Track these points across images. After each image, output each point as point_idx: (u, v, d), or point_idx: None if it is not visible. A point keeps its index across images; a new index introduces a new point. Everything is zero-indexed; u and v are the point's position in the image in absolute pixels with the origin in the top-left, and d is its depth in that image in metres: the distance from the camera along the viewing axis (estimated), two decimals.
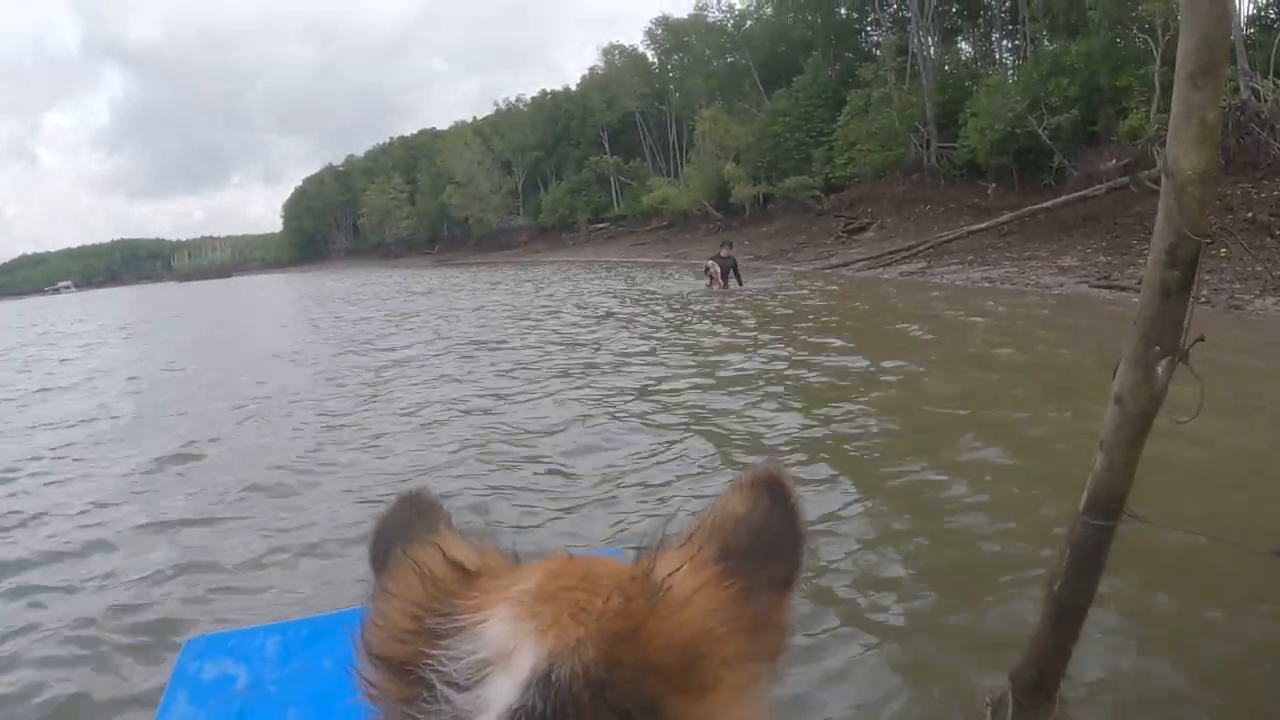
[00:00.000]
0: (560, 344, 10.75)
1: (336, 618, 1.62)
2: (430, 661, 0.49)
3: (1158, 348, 1.69)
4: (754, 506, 0.58)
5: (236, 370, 10.92)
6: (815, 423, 5.74)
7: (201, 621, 3.33)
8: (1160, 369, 1.69)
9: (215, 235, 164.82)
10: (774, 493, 0.60)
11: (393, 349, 11.54)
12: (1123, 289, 11.52)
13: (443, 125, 78.11)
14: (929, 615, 3.10)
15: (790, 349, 8.98)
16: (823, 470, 4.61)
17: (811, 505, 4.10)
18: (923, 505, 4.08)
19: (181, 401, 8.72)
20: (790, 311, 12.80)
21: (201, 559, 4.09)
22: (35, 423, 8.17)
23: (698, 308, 14.29)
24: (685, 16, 47.28)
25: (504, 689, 0.46)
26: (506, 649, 0.48)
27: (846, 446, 5.11)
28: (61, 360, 14.61)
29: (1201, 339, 1.70)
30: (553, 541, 3.69)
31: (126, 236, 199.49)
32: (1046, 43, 24.14)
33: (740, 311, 13.00)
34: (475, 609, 0.51)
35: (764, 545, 0.56)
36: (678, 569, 0.52)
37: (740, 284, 16.64)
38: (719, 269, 16.34)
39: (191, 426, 7.28)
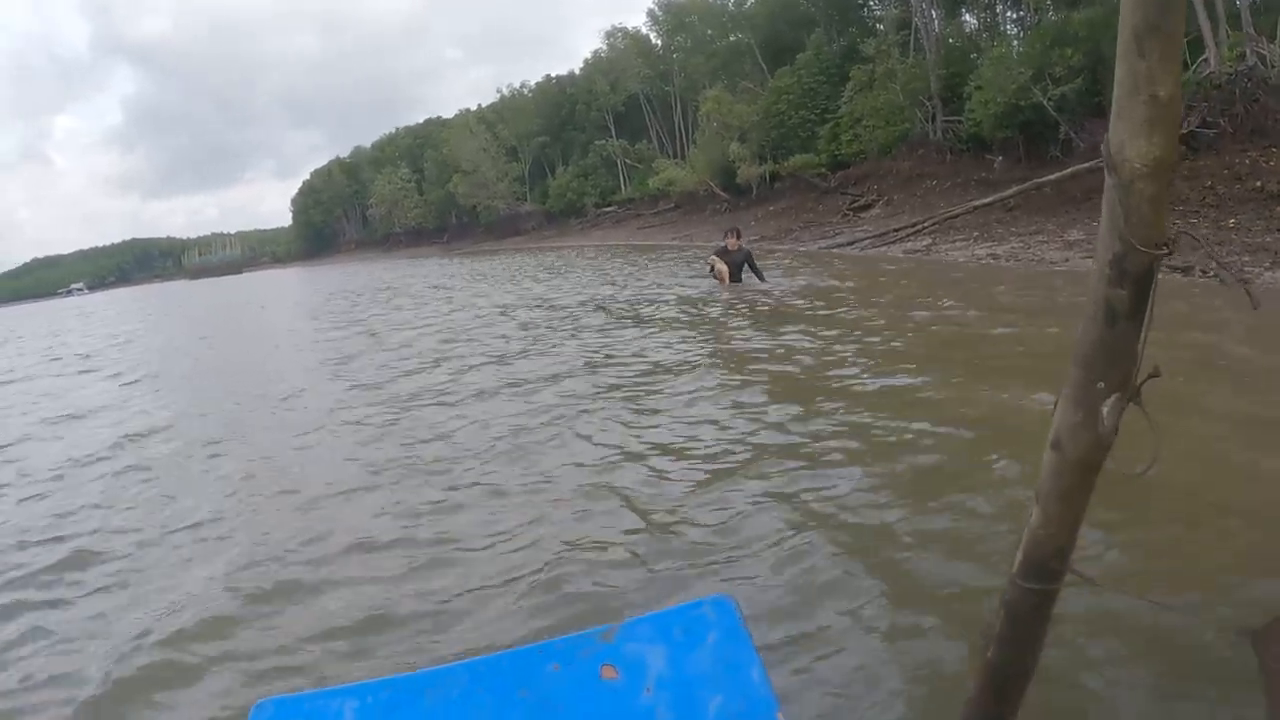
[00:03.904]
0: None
1: (420, 678, 1.58)
2: None
3: (1102, 384, 1.37)
4: None
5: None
6: None
7: (267, 681, 2.87)
8: (1105, 409, 1.37)
9: (226, 232, 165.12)
10: None
11: None
12: None
13: (454, 114, 77.97)
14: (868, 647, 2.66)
15: None
16: None
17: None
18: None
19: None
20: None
21: (267, 608, 3.45)
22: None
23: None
24: None
25: None
26: None
27: None
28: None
29: (1156, 374, 1.38)
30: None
31: (139, 236, 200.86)
32: (1050, 13, 23.88)
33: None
34: None
35: None
36: None
37: (761, 279, 12.62)
38: (725, 268, 12.63)
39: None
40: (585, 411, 5.99)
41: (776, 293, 12.00)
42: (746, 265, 12.82)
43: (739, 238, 13.17)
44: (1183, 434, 3.94)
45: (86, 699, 2.89)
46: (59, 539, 4.56)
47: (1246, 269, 9.95)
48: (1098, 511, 1.58)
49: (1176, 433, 3.86)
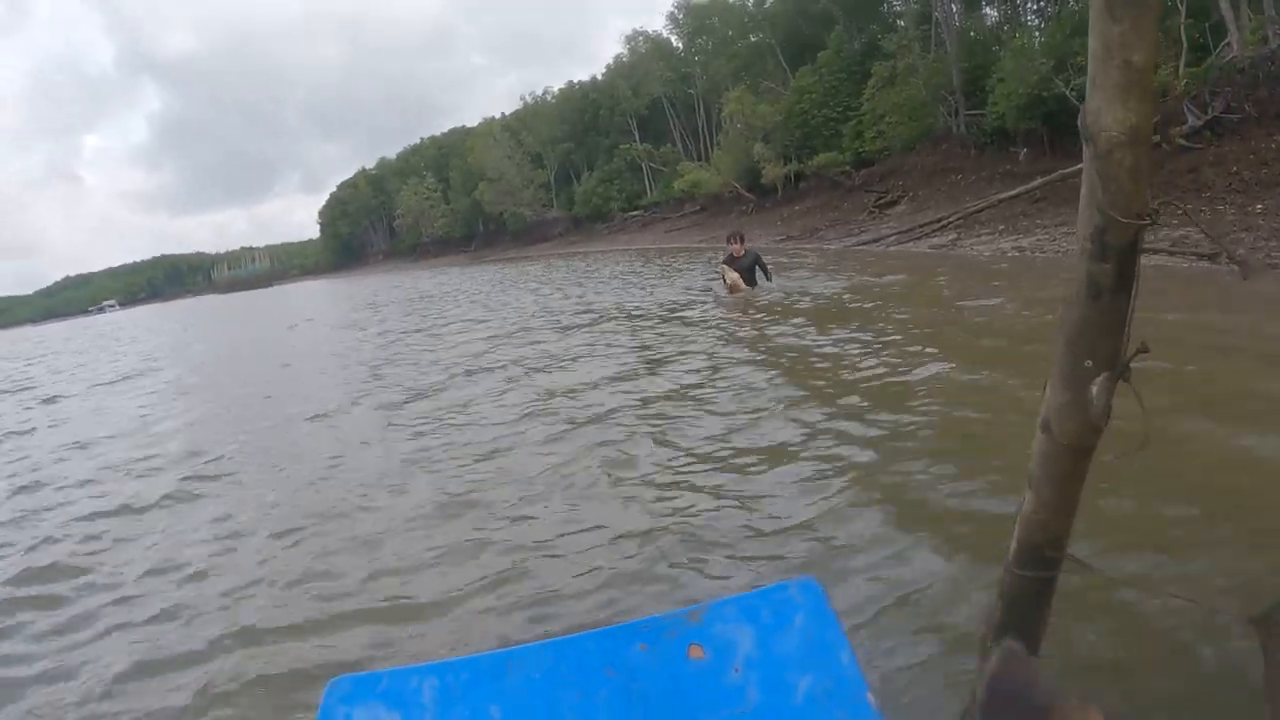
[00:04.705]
0: None
1: (502, 657, 1.56)
2: None
3: (1090, 362, 1.32)
4: None
5: None
6: None
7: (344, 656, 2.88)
8: (1094, 388, 1.32)
9: (255, 245, 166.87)
10: None
11: None
12: (1154, 252, 11.41)
13: (478, 122, 78.63)
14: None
15: None
16: None
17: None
18: None
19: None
20: None
21: (342, 583, 3.50)
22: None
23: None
24: None
25: None
26: None
27: None
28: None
29: (1145, 349, 1.34)
30: None
31: (168, 252, 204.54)
32: (1071, 2, 23.79)
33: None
34: None
35: None
36: None
37: (769, 279, 12.19)
38: (736, 275, 11.81)
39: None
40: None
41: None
42: (757, 268, 12.17)
43: (742, 241, 12.29)
44: (1187, 415, 4.01)
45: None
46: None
47: (1273, 255, 9.93)
48: (1094, 496, 1.50)
49: (1179, 413, 3.96)
